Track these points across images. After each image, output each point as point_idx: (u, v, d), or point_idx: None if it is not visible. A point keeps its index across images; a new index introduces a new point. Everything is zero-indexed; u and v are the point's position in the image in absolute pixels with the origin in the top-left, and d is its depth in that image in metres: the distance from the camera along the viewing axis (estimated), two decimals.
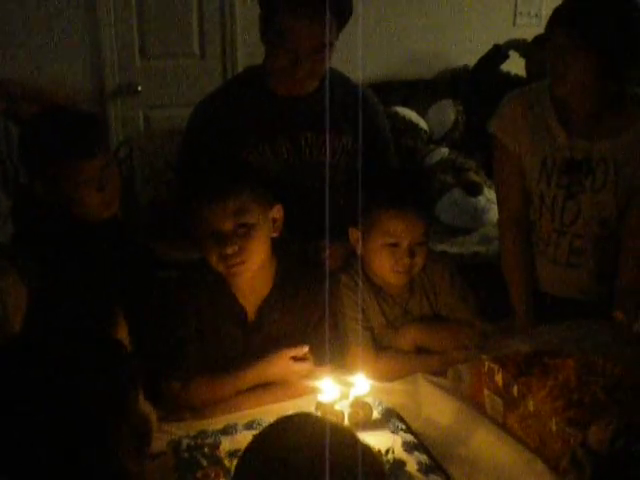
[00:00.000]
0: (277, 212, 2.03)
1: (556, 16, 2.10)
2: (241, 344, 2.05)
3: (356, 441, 1.14)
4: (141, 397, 1.23)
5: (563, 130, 2.21)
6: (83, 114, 2.23)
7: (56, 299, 1.66)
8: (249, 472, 1.13)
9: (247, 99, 2.27)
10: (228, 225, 1.93)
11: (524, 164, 2.28)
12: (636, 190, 2.21)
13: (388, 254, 2.06)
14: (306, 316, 2.07)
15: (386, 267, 2.08)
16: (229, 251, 1.92)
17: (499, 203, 2.46)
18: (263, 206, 1.99)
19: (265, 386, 1.99)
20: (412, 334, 2.15)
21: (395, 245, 2.05)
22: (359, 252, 2.12)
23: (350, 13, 2.16)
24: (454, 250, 3.52)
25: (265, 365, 1.99)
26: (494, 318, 2.27)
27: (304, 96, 2.25)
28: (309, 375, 1.97)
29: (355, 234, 2.10)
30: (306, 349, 1.99)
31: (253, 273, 2.01)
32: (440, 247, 3.43)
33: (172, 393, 1.95)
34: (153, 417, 1.27)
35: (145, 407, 1.24)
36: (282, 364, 1.98)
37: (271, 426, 1.18)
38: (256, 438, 1.18)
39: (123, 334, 1.68)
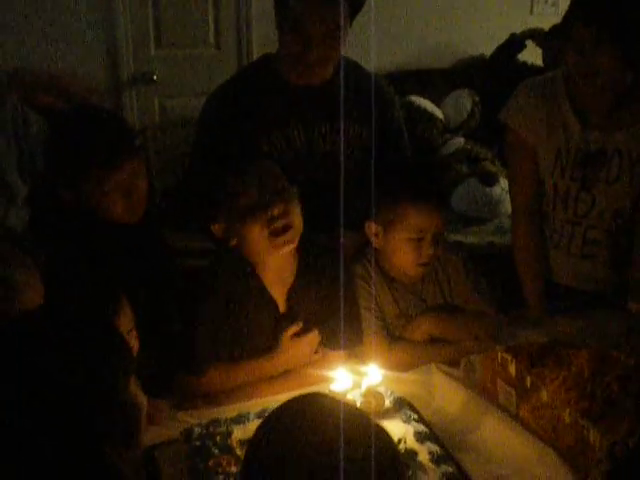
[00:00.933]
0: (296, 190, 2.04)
1: (577, 13, 2.03)
2: (271, 335, 2.04)
3: (368, 420, 1.13)
4: (132, 384, 1.22)
5: (578, 121, 2.18)
6: (112, 119, 2.15)
7: (62, 287, 1.66)
8: (262, 451, 1.12)
9: (261, 87, 2.27)
10: (273, 184, 1.94)
11: (537, 154, 2.26)
12: None
13: (412, 247, 2.06)
14: (331, 303, 2.06)
15: (409, 260, 2.08)
16: (275, 212, 1.91)
17: (511, 193, 2.43)
18: (285, 175, 2.02)
19: (278, 375, 2.00)
20: (426, 325, 2.15)
21: (420, 239, 2.05)
22: (375, 245, 2.12)
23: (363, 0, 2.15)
24: (469, 240, 3.51)
25: (276, 354, 2.00)
26: (510, 308, 2.26)
27: (318, 85, 2.24)
28: (322, 364, 1.98)
29: (372, 227, 2.09)
30: (300, 324, 2.01)
31: (280, 263, 2.01)
32: (455, 237, 3.42)
33: (186, 384, 1.96)
34: (144, 404, 1.26)
35: (137, 393, 1.23)
36: (291, 347, 1.99)
37: (283, 405, 1.17)
38: (269, 417, 1.17)
39: (126, 321, 1.68)
